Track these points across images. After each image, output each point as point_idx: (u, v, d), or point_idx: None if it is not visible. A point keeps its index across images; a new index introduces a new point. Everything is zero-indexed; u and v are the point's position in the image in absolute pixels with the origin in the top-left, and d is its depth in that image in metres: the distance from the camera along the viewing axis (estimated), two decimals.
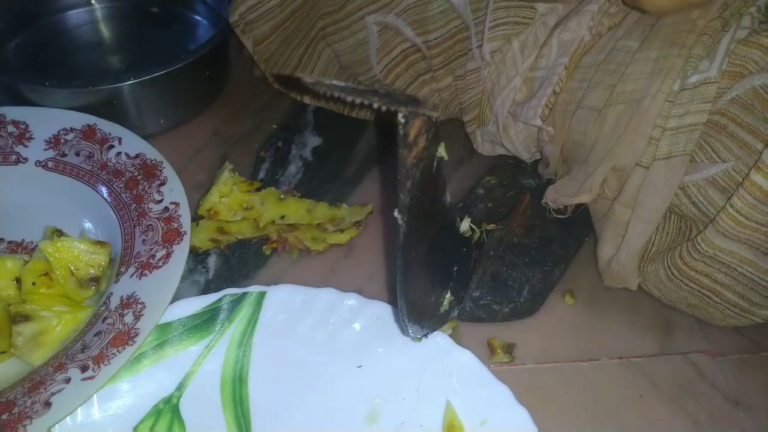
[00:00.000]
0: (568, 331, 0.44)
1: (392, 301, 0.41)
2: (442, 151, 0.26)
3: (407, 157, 0.24)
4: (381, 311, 0.40)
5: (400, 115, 0.23)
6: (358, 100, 0.23)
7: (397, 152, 0.24)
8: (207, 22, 0.61)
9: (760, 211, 0.34)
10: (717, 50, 0.36)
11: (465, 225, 0.33)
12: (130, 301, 0.39)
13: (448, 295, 0.35)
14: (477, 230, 0.35)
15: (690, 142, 0.36)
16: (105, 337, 0.37)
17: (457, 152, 0.54)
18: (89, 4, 0.62)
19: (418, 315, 0.33)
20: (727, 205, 0.35)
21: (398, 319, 0.37)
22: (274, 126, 0.57)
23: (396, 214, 0.25)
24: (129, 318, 0.38)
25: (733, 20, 0.37)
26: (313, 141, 0.56)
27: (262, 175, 0.53)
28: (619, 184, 0.40)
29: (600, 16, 0.41)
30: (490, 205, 0.46)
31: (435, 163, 0.26)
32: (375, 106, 0.23)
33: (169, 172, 0.46)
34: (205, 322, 0.40)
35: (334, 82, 0.22)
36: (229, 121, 0.57)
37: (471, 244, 0.35)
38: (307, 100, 0.55)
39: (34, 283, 0.41)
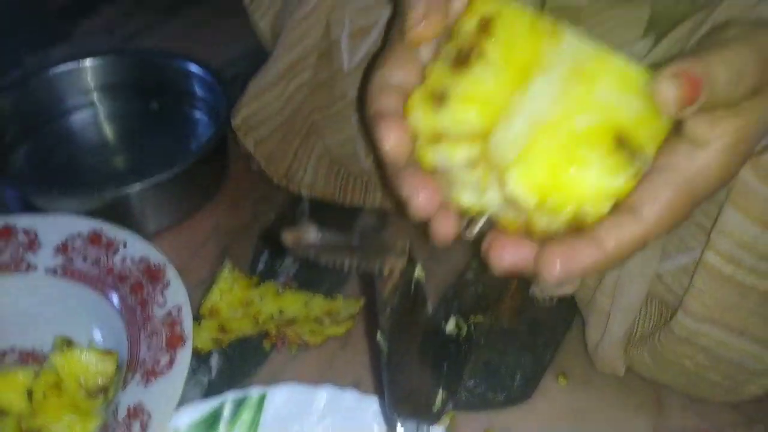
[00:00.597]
0: (563, 415, 0.45)
1: None
2: (418, 272, 0.28)
3: (383, 288, 0.26)
4: (379, 407, 0.42)
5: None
6: (332, 262, 0.25)
7: (376, 285, 0.26)
8: (206, 117, 0.65)
9: (720, 290, 0.36)
10: None
11: (451, 325, 0.35)
12: (137, 411, 0.40)
13: (441, 391, 0.37)
14: (464, 325, 0.37)
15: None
16: None
17: None
18: (92, 105, 0.65)
19: (411, 415, 0.34)
20: (691, 286, 0.36)
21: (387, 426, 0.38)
22: (272, 216, 0.59)
23: (378, 338, 0.27)
24: (136, 429, 0.39)
25: None
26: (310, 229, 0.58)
27: (261, 266, 0.55)
28: (599, 275, 0.42)
29: None
30: (479, 290, 0.48)
31: (413, 285, 0.28)
32: (346, 267, 0.25)
33: (172, 274, 0.48)
34: (207, 428, 0.41)
35: (311, 241, 0.24)
36: (229, 214, 0.59)
37: (460, 341, 0.37)
38: (304, 191, 0.58)
39: (44, 395, 0.42)
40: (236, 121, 0.53)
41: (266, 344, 0.48)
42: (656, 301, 0.42)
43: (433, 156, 0.28)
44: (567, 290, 0.44)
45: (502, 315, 0.46)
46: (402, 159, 0.29)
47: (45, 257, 0.50)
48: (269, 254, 0.56)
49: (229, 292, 0.49)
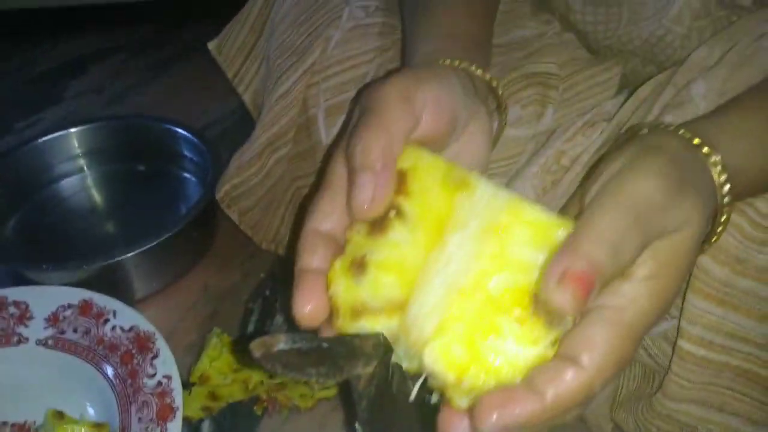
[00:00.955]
0: None
1: None
2: (395, 358, 0.28)
3: (358, 384, 0.26)
4: None
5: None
6: (302, 375, 0.25)
7: (350, 380, 0.26)
8: (194, 177, 0.66)
9: (696, 371, 0.37)
10: None
11: (435, 397, 0.35)
12: None
13: None
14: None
15: None
16: None
17: None
18: (81, 170, 0.66)
19: None
20: (669, 371, 0.37)
21: None
22: (261, 275, 0.60)
23: (357, 427, 0.27)
24: None
25: None
26: None
27: (251, 327, 0.56)
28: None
29: (542, 174, 0.45)
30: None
31: (390, 371, 0.28)
32: (318, 379, 0.25)
33: (161, 343, 0.48)
34: None
35: (281, 348, 0.24)
36: (218, 275, 0.60)
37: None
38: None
39: None
40: (219, 194, 0.54)
41: (258, 409, 0.49)
42: (639, 364, 0.42)
43: (354, 330, 0.27)
44: None
45: None
46: (316, 324, 0.28)
47: (36, 329, 0.51)
48: (259, 314, 0.57)
49: (219, 358, 0.50)
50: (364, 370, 0.27)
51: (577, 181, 0.44)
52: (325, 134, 0.52)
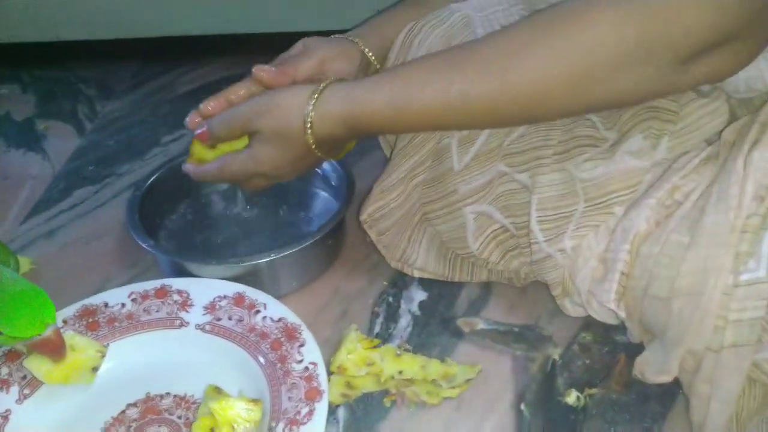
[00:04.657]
0: None
1: None
2: (555, 354, 0.33)
3: (532, 368, 0.31)
4: None
5: None
6: (500, 346, 0.30)
7: (525, 364, 0.31)
8: (325, 193, 0.73)
9: None
10: (761, 249, 0.41)
11: (573, 398, 0.39)
12: None
13: None
14: (583, 398, 0.40)
15: (753, 332, 0.41)
16: None
17: (550, 305, 0.60)
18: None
19: None
20: None
21: None
22: (384, 282, 0.66)
23: (522, 407, 0.31)
24: None
25: None
26: (419, 296, 0.64)
27: (377, 329, 0.61)
28: (696, 363, 0.44)
29: (657, 207, 0.48)
30: (587, 362, 0.51)
31: (549, 364, 0.32)
32: (516, 353, 0.30)
33: (306, 334, 0.54)
34: None
35: (481, 327, 0.29)
36: (346, 279, 0.66)
37: (578, 411, 0.40)
38: (416, 273, 0.64)
39: None
40: (363, 216, 0.61)
41: (387, 401, 0.53)
42: (758, 384, 0.44)
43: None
44: (664, 379, 0.47)
45: (611, 387, 0.49)
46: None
47: (195, 315, 0.58)
48: (384, 317, 0.62)
49: (354, 351, 0.55)
50: (554, 350, 0.31)
51: (688, 217, 0.47)
52: (458, 162, 0.57)
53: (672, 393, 0.51)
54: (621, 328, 0.56)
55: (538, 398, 0.32)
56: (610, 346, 0.55)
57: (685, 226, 0.45)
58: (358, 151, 0.84)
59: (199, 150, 0.59)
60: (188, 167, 0.60)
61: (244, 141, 0.57)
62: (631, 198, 0.51)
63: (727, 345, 0.42)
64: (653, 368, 0.47)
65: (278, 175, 0.57)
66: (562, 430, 0.39)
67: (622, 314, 0.49)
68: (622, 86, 0.42)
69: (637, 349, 0.52)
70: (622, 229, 0.49)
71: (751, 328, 0.41)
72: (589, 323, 0.57)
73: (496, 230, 0.58)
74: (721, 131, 0.49)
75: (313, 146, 0.53)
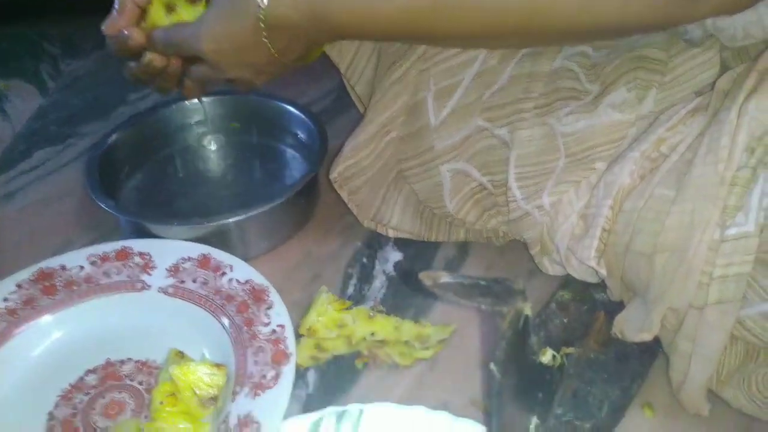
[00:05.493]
0: None
1: (478, 418, 0.45)
2: (527, 309, 0.31)
3: (502, 325, 0.29)
4: (470, 429, 0.44)
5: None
6: (464, 301, 0.28)
7: (494, 320, 0.29)
8: (298, 153, 0.70)
9: None
10: (750, 203, 0.39)
11: (548, 357, 0.37)
12: (247, 420, 0.44)
13: (534, 419, 0.39)
14: (558, 357, 0.39)
15: (739, 289, 0.39)
16: None
17: (529, 264, 0.58)
18: (199, 139, 0.71)
19: None
20: None
21: None
22: (358, 243, 0.63)
23: (491, 367, 0.29)
24: None
25: (760, 169, 0.40)
26: (394, 256, 0.62)
27: (350, 290, 0.59)
28: (678, 321, 0.43)
29: (642, 161, 0.45)
30: (565, 320, 0.50)
31: (521, 320, 0.31)
32: (482, 308, 0.28)
33: (274, 296, 0.52)
34: None
35: (444, 280, 0.27)
36: (319, 241, 0.64)
37: (553, 371, 0.39)
38: (390, 233, 0.61)
39: (161, 402, 0.46)
40: (333, 174, 0.58)
41: (359, 363, 0.51)
42: (741, 342, 0.43)
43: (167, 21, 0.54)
44: (645, 337, 0.45)
45: (590, 346, 0.48)
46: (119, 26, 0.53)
47: (158, 278, 0.56)
48: (357, 278, 0.60)
49: (325, 314, 0.53)
50: (524, 305, 0.29)
51: (674, 170, 0.44)
52: (434, 117, 0.55)
53: (652, 351, 0.50)
54: (600, 286, 0.54)
55: (509, 357, 0.30)
56: (589, 305, 0.53)
57: (671, 180, 0.43)
58: (333, 110, 0.82)
59: (155, 12, 0.53)
60: (132, 30, 0.52)
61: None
62: (614, 153, 0.49)
63: (711, 302, 0.40)
64: (633, 326, 0.46)
65: (220, 66, 0.49)
66: (537, 390, 0.37)
67: (603, 272, 0.47)
68: (634, 7, 0.40)
69: (617, 307, 0.50)
70: (604, 184, 0.47)
71: (736, 284, 0.40)
72: (567, 281, 0.56)
73: (473, 188, 0.56)
74: (713, 83, 0.47)
75: (264, 32, 0.45)
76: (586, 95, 0.50)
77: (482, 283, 0.28)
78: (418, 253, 0.62)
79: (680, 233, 0.41)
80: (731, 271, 0.40)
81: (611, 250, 0.46)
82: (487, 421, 0.43)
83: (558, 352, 0.42)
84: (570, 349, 0.46)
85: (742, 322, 0.41)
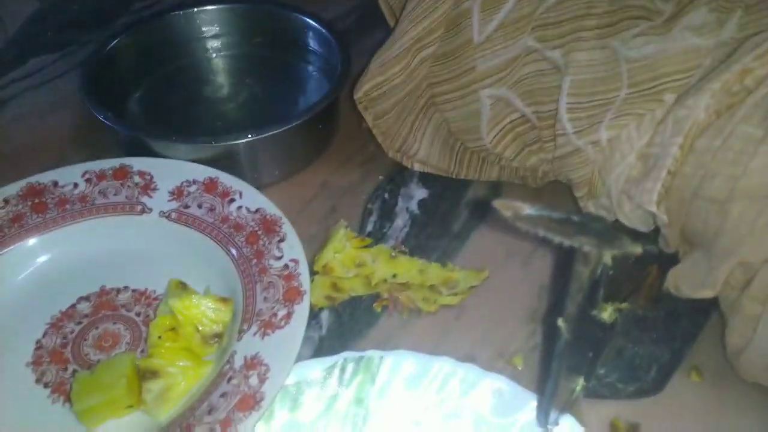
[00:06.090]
0: (696, 412, 0.41)
1: (507, 373, 0.41)
2: (607, 258, 0.26)
3: (583, 273, 0.23)
4: (498, 385, 0.40)
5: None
6: (560, 239, 0.23)
7: (573, 267, 0.24)
8: (318, 72, 0.63)
9: None
10: None
11: (609, 313, 0.32)
12: (254, 362, 0.39)
13: (581, 380, 0.34)
14: (616, 314, 0.34)
15: None
16: (231, 399, 0.38)
17: (569, 208, 0.53)
18: (207, 51, 0.64)
19: (555, 407, 0.32)
20: None
21: (538, 413, 0.36)
22: (380, 177, 0.57)
23: (560, 323, 0.25)
24: (254, 380, 0.38)
25: None
26: (419, 193, 0.56)
27: (369, 228, 0.53)
28: (746, 277, 0.38)
29: (721, 94, 0.39)
30: (617, 275, 0.45)
31: (599, 270, 0.25)
32: (584, 249, 0.23)
33: (287, 228, 0.47)
34: (322, 385, 0.40)
35: (528, 212, 0.22)
36: (337, 172, 0.58)
37: (607, 328, 0.34)
38: (417, 166, 0.56)
39: (160, 337, 0.42)
40: (358, 94, 0.51)
41: (377, 306, 0.47)
42: None
43: None
44: (706, 294, 0.40)
45: (639, 302, 0.43)
46: None
47: (160, 201, 0.50)
48: (378, 215, 0.54)
49: (342, 251, 0.48)
50: (624, 250, 0.24)
51: (761, 105, 0.38)
52: (478, 31, 0.48)
53: (705, 312, 0.45)
54: (649, 236, 0.49)
55: (581, 313, 0.25)
56: (637, 257, 0.47)
57: (758, 116, 0.37)
58: (358, 29, 0.74)
59: None
60: None
61: None
62: (685, 84, 0.42)
63: None
64: (692, 281, 0.40)
65: None
66: (589, 350, 0.33)
67: (664, 217, 0.41)
68: None
69: (670, 260, 0.45)
70: (673, 119, 0.41)
71: None
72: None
73: (514, 120, 0.50)
74: None
75: None
76: (658, 15, 0.43)
77: (575, 218, 0.23)
78: (445, 190, 0.56)
79: (766, 179, 0.36)
80: None
81: (675, 195, 0.40)
82: (530, 380, 0.39)
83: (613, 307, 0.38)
84: (624, 305, 0.41)
85: None
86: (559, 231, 0.23)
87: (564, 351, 0.26)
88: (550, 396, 0.29)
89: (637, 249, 0.25)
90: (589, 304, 0.28)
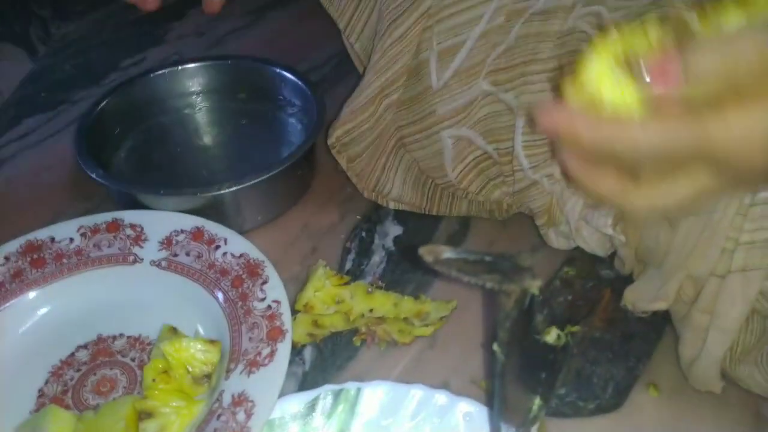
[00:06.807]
0: (654, 427, 0.44)
1: (478, 397, 0.44)
2: (534, 288, 0.29)
3: (507, 304, 0.27)
4: (469, 408, 0.43)
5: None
6: (468, 278, 0.26)
7: (497, 299, 0.27)
8: (296, 121, 0.67)
9: None
10: None
11: (553, 336, 0.35)
12: (241, 399, 0.42)
13: (537, 399, 0.37)
14: (564, 336, 0.37)
15: (766, 256, 0.38)
16: None
17: (533, 239, 0.56)
18: (191, 106, 0.69)
19: (510, 422, 0.35)
20: None
21: (491, 429, 0.39)
22: (357, 216, 0.61)
23: (495, 348, 0.28)
24: (241, 416, 0.41)
25: None
26: (394, 230, 0.60)
27: (348, 265, 0.57)
28: (695, 290, 0.41)
29: None
30: (569, 298, 0.48)
31: (528, 299, 0.29)
32: (487, 286, 0.26)
33: (270, 270, 0.50)
34: (305, 418, 0.43)
35: (446, 255, 0.25)
36: (317, 214, 0.62)
37: (557, 350, 0.37)
38: (391, 204, 0.59)
39: (154, 380, 0.45)
40: (331, 140, 0.55)
41: (356, 340, 0.50)
42: (758, 316, 0.41)
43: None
44: (660, 306, 0.44)
45: (594, 324, 0.46)
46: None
47: (150, 251, 0.54)
48: (356, 253, 0.58)
49: (322, 289, 0.51)
50: (532, 282, 0.27)
51: None
52: (436, 79, 0.52)
53: (658, 331, 0.48)
54: (606, 261, 0.53)
55: (513, 338, 0.29)
56: (595, 281, 0.51)
57: None
58: (334, 78, 0.79)
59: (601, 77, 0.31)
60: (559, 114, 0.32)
61: None
62: None
63: (735, 269, 0.39)
64: (647, 296, 0.44)
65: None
66: (540, 371, 0.36)
67: (622, 237, 0.45)
68: None
69: (623, 284, 0.48)
70: None
71: (763, 251, 0.38)
72: (573, 257, 0.54)
73: (477, 157, 0.54)
74: None
75: None
76: None
77: (487, 258, 0.27)
78: (418, 227, 0.60)
79: None
80: (759, 237, 0.38)
81: (630, 218, 0.44)
82: (488, 402, 0.42)
83: (562, 330, 0.41)
84: (575, 328, 0.44)
85: (765, 293, 0.39)
86: (470, 271, 0.26)
87: (504, 372, 0.29)
88: (498, 412, 0.32)
89: (535, 285, 0.28)
90: (525, 330, 0.31)
